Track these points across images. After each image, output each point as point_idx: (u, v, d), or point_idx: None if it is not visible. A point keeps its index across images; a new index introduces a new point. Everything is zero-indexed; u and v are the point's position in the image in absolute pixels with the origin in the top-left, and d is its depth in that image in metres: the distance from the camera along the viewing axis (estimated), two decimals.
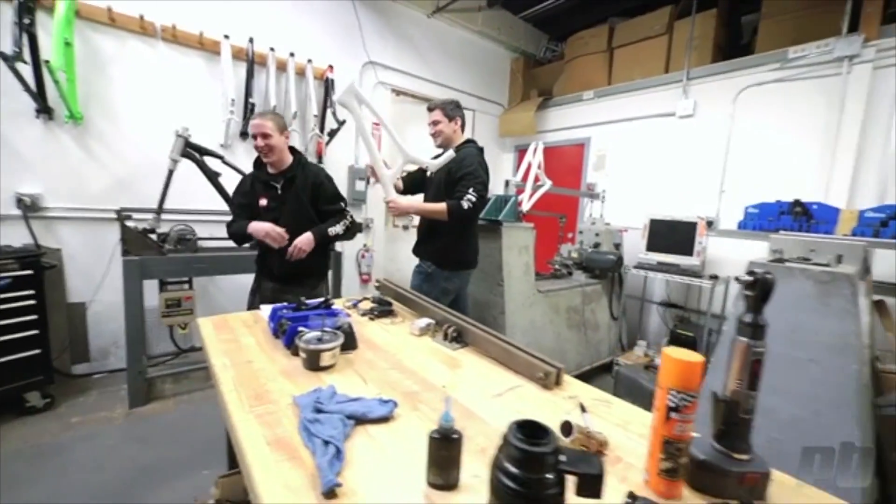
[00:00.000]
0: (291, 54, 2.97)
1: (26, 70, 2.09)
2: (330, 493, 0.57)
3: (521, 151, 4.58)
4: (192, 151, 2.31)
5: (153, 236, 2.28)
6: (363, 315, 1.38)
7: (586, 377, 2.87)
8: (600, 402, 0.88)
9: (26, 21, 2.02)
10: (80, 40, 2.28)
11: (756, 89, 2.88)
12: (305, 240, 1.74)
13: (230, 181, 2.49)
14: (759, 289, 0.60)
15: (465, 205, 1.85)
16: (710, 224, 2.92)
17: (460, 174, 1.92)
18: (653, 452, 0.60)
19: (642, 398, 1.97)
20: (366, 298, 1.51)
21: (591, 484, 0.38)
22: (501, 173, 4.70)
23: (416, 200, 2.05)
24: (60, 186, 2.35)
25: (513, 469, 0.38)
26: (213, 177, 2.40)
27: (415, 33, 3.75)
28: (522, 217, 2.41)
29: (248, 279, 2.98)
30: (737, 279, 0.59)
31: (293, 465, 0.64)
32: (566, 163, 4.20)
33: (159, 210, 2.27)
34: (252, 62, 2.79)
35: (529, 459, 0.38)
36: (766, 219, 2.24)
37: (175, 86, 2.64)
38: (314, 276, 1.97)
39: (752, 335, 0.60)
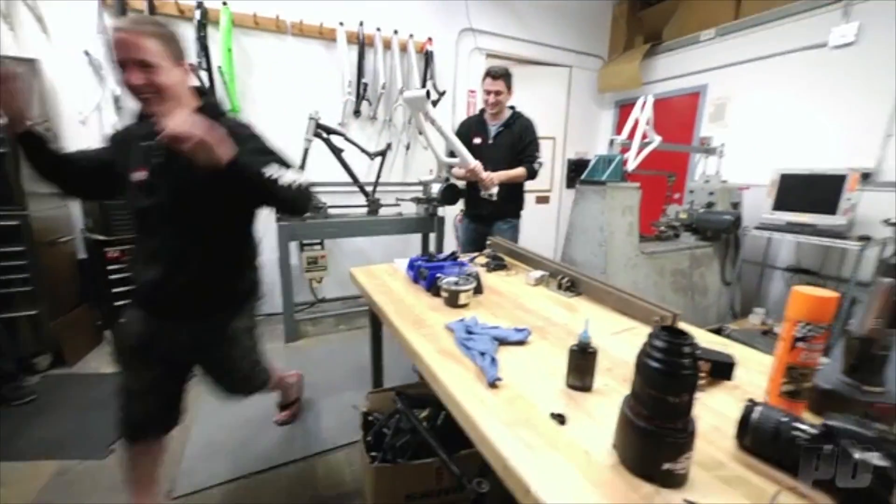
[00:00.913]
0: (395, 32, 3.16)
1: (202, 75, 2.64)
2: (493, 385, 0.77)
3: (623, 107, 4.27)
4: (321, 131, 2.70)
5: None
6: (481, 267, 1.57)
7: None
8: (717, 345, 0.95)
9: (202, 34, 2.53)
10: (235, 44, 2.76)
11: None
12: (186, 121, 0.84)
13: (349, 156, 2.87)
14: None
15: (537, 167, 2.32)
16: (865, 177, 2.48)
17: (528, 140, 2.30)
18: (774, 377, 0.68)
19: None
20: (480, 254, 1.70)
21: (724, 368, 0.50)
22: (598, 132, 4.46)
23: (455, 161, 2.27)
24: None
25: (657, 354, 0.52)
26: (338, 152, 2.78)
27: None
28: (627, 177, 2.35)
29: (362, 241, 3.47)
30: (885, 221, 0.62)
31: (460, 366, 0.85)
32: (676, 115, 3.81)
33: None
34: (363, 44, 3.06)
35: (672, 347, 0.51)
36: None
37: (301, 73, 3.04)
38: (227, 306, 1.22)
39: None
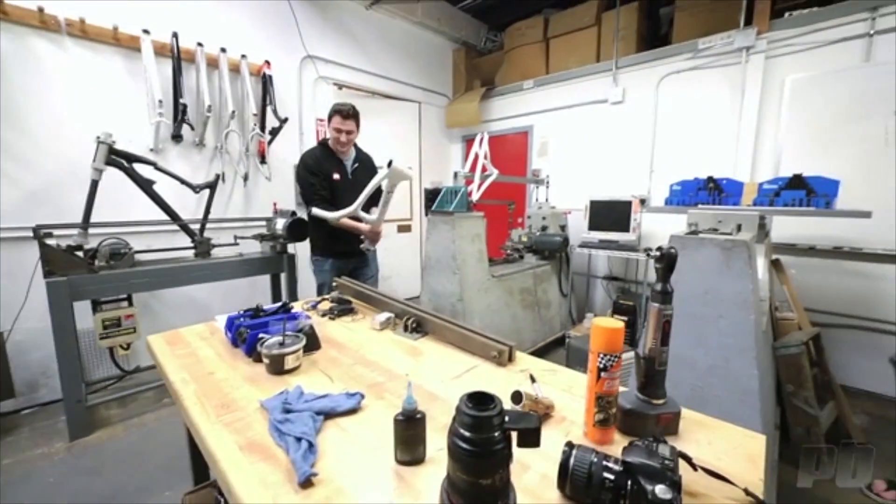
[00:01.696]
0: (223, 49, 2.80)
1: None
2: (306, 482, 0.61)
3: (469, 141, 4.67)
4: (118, 159, 2.14)
5: (80, 253, 2.10)
6: (323, 315, 1.39)
7: (542, 352, 3.06)
8: (548, 372, 0.99)
9: None
10: None
11: (674, 77, 3.16)
12: None
13: (166, 188, 2.37)
14: (665, 261, 0.72)
15: None
16: (643, 202, 3.19)
17: None
18: (588, 408, 0.71)
19: None
20: (324, 299, 1.52)
21: (530, 436, 0.47)
22: (450, 164, 4.78)
23: (371, 218, 2.19)
24: None
25: (466, 433, 0.45)
26: (145, 185, 2.25)
27: (355, 26, 3.68)
28: (473, 207, 2.50)
29: (196, 290, 2.87)
30: (647, 253, 0.70)
31: (268, 464, 0.67)
32: (512, 150, 4.35)
33: (85, 224, 2.09)
34: (178, 59, 2.61)
35: (478, 423, 0.45)
36: (686, 195, 2.49)
37: (91, 87, 2.41)
38: None
39: (662, 301, 0.72)
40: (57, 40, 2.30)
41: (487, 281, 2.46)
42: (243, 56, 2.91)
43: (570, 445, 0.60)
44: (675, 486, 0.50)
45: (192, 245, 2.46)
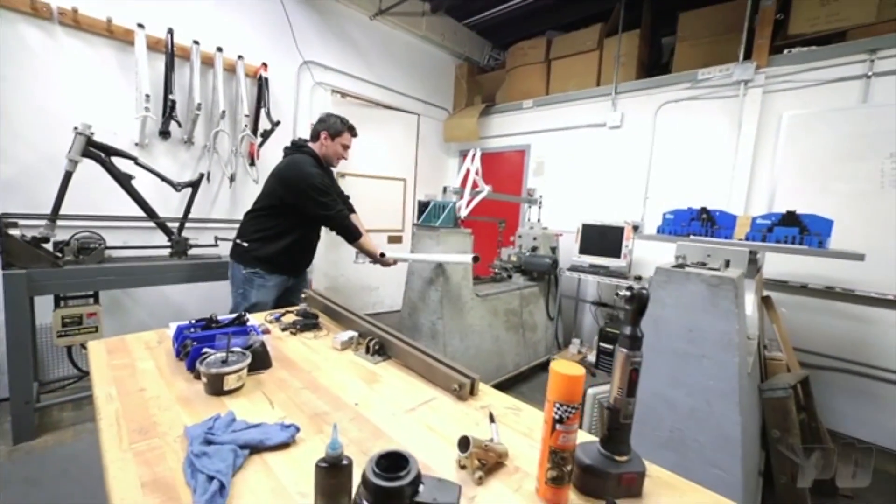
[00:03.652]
0: (219, 49, 2.77)
1: None
2: None
3: (465, 156, 4.65)
4: (96, 151, 2.08)
5: (48, 245, 2.02)
6: (284, 329, 1.31)
7: (525, 377, 2.96)
8: (511, 411, 0.91)
9: None
10: None
11: (673, 105, 3.15)
12: None
13: (145, 184, 2.30)
14: (636, 303, 0.65)
15: None
16: (636, 228, 3.14)
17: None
18: (541, 462, 0.63)
19: None
20: (289, 311, 1.44)
21: None
22: (446, 177, 4.74)
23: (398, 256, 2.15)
24: None
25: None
26: (123, 180, 2.18)
27: (357, 34, 3.68)
28: (461, 223, 2.43)
29: (172, 290, 2.78)
30: (617, 294, 0.63)
31: None
32: (508, 168, 4.33)
33: (54, 216, 2.01)
34: (172, 55, 2.57)
35: (384, 495, 0.37)
36: (679, 224, 2.45)
37: (80, 78, 2.37)
38: None
39: (630, 346, 0.64)
40: (48, 29, 2.26)
41: (471, 300, 2.39)
42: (240, 57, 2.88)
43: None
44: None
45: (168, 244, 2.38)
